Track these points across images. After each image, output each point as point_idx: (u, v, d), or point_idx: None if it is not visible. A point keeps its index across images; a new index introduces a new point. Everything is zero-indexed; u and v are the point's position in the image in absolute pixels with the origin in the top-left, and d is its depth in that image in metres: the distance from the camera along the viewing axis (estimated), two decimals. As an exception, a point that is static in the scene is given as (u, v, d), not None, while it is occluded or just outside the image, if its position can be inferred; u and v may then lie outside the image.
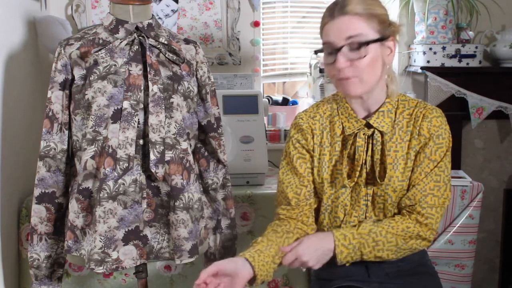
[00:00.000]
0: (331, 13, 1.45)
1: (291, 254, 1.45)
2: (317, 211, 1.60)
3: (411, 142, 1.51)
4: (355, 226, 1.50)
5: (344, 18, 1.43)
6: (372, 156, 1.51)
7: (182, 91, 1.67)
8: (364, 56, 1.42)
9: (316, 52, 1.52)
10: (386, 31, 1.46)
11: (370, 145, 1.51)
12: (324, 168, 1.55)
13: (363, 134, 1.51)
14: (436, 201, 1.48)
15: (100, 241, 1.58)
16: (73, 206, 1.62)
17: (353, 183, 1.51)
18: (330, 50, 1.45)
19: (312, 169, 1.57)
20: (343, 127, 1.55)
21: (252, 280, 1.40)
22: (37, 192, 1.67)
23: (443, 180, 1.50)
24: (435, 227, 1.49)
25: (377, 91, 1.51)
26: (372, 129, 1.52)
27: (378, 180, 1.49)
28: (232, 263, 1.39)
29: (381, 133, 1.51)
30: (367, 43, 1.42)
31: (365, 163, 1.50)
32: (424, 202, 1.48)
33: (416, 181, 1.49)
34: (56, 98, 1.64)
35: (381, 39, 1.44)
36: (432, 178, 1.49)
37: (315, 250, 1.45)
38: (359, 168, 1.50)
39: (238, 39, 2.78)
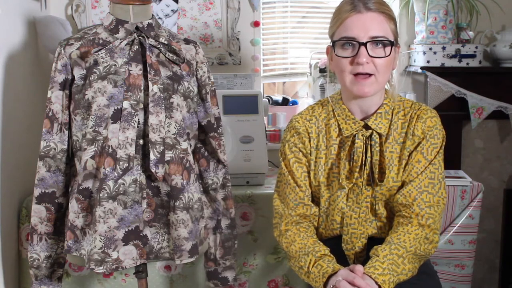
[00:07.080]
0: (354, 6, 1.43)
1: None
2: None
3: (405, 143, 1.51)
4: (372, 256, 1.42)
5: (373, 14, 1.43)
6: (370, 158, 1.50)
7: (182, 91, 1.66)
8: (385, 56, 1.43)
9: (333, 42, 1.48)
10: (397, 37, 1.49)
11: (368, 147, 1.51)
12: (320, 171, 1.55)
13: (362, 135, 1.51)
14: (431, 199, 1.47)
15: (100, 241, 1.58)
16: (73, 206, 1.62)
17: (351, 184, 1.51)
18: (351, 43, 1.43)
19: (309, 172, 1.57)
20: (339, 129, 1.54)
21: None
22: (37, 192, 1.67)
23: (437, 177, 1.49)
24: (437, 226, 1.48)
25: (378, 94, 1.51)
26: (370, 131, 1.51)
27: (377, 181, 1.49)
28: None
29: (379, 134, 1.51)
30: (391, 42, 1.43)
31: (365, 165, 1.50)
32: (420, 199, 1.46)
33: (410, 178, 1.48)
34: (56, 98, 1.64)
35: (396, 43, 1.47)
36: (427, 175, 1.48)
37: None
38: (357, 169, 1.49)
39: (238, 39, 2.78)
